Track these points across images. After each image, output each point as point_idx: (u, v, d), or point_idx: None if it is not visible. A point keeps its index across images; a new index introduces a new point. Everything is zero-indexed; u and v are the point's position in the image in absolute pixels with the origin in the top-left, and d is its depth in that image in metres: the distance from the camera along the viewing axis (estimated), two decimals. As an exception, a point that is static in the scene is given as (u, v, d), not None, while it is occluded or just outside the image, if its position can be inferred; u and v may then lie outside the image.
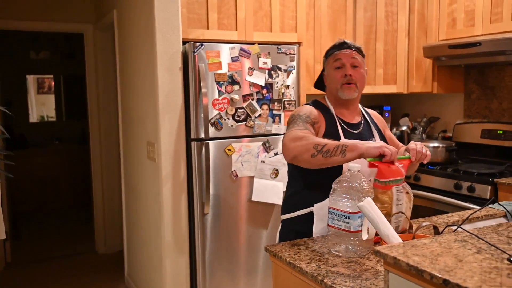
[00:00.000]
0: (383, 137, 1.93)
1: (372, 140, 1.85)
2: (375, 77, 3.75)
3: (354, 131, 1.84)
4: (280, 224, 1.93)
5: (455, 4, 3.23)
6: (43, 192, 6.05)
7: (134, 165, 3.39)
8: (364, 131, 1.87)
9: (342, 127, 1.82)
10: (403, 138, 3.94)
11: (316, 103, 1.88)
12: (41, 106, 7.04)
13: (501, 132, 3.24)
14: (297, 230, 1.78)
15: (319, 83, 1.97)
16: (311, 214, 1.77)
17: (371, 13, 3.71)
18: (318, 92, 3.73)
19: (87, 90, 4.41)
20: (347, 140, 1.65)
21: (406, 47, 3.61)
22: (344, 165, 1.69)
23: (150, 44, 2.80)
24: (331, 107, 1.86)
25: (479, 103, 3.51)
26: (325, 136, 1.75)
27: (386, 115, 4.07)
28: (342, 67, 1.81)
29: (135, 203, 3.42)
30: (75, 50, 6.41)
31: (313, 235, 1.74)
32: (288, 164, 1.87)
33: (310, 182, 1.80)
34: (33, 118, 6.95)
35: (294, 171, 1.86)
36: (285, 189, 2.00)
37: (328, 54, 1.88)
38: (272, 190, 2.95)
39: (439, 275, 0.93)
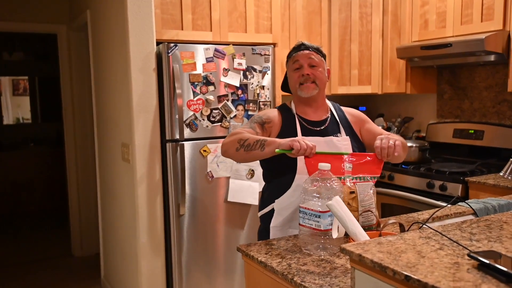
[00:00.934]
0: (354, 135, 1.94)
1: (337, 136, 1.89)
2: (350, 78, 3.80)
3: (315, 128, 1.89)
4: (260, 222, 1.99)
5: (427, 6, 3.29)
6: (18, 195, 5.94)
7: (109, 167, 3.36)
8: (328, 128, 1.90)
9: (301, 125, 1.88)
10: (379, 138, 3.99)
11: (282, 106, 1.97)
12: (17, 108, 6.92)
13: (472, 131, 3.31)
14: (266, 227, 1.86)
15: (286, 85, 2.01)
16: (272, 212, 1.85)
17: (345, 15, 3.75)
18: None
19: (61, 92, 4.34)
20: (265, 138, 1.71)
21: (380, 48, 3.66)
22: (299, 163, 1.76)
23: (123, 45, 2.78)
24: (293, 107, 1.94)
25: (451, 103, 3.58)
26: (280, 133, 1.84)
27: (362, 115, 4.12)
28: (300, 68, 1.88)
29: (111, 205, 3.38)
30: (49, 51, 6.31)
31: (270, 230, 1.82)
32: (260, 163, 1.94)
33: (272, 179, 1.89)
34: (9, 120, 6.82)
35: (263, 169, 1.95)
36: (260, 189, 2.07)
37: (288, 56, 1.95)
38: (247, 190, 2.96)
39: (401, 271, 0.95)
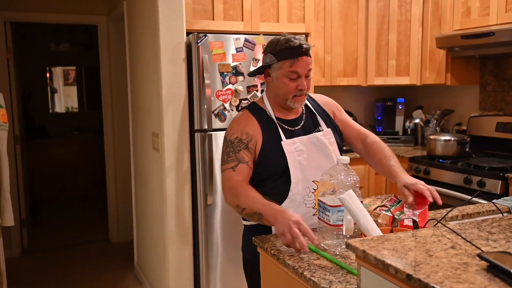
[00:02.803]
0: (333, 123, 1.84)
1: (319, 130, 1.77)
2: (387, 69, 3.68)
3: (295, 128, 1.76)
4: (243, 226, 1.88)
5: (470, -7, 3.12)
6: (62, 181, 6.18)
7: (141, 155, 3.43)
8: (307, 123, 1.78)
9: (282, 128, 1.73)
10: (417, 131, 3.85)
11: (254, 108, 1.78)
12: (67, 97, 7.21)
13: (516, 125, 3.12)
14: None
15: (256, 74, 1.82)
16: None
17: (384, 3, 3.63)
18: (328, 83, 3.64)
19: (101, 81, 4.47)
20: (264, 207, 1.53)
21: (420, 38, 3.52)
22: (292, 171, 1.67)
23: (154, 35, 2.81)
24: (269, 109, 1.76)
25: (494, 95, 3.39)
26: (264, 144, 1.68)
27: (400, 107, 3.99)
28: (297, 79, 1.68)
29: (143, 193, 3.46)
30: (94, 42, 6.50)
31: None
32: None
33: (263, 189, 1.69)
34: (61, 109, 7.12)
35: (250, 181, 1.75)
36: None
37: (282, 57, 1.68)
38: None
39: (403, 270, 0.90)
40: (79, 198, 6.21)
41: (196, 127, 2.79)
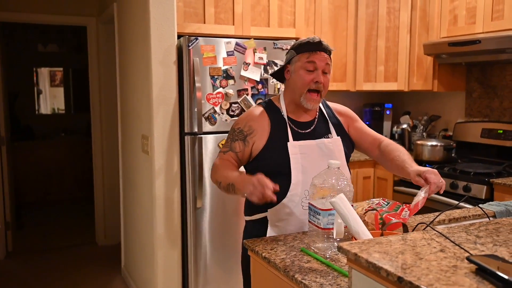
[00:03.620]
0: (344, 133, 1.86)
1: (328, 137, 1.79)
2: (375, 74, 3.72)
3: (305, 131, 1.78)
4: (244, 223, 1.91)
5: (457, 1, 3.18)
6: (48, 183, 6.12)
7: (130, 158, 3.41)
8: (318, 129, 1.80)
9: (291, 128, 1.75)
10: (404, 136, 3.90)
11: (269, 104, 1.82)
12: (53, 99, 7.14)
13: (501, 131, 3.18)
14: (256, 235, 1.72)
15: (278, 74, 1.86)
16: (267, 219, 1.75)
17: (373, 10, 3.67)
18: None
19: (89, 83, 4.44)
20: (235, 178, 1.63)
21: (408, 44, 3.57)
22: (293, 169, 1.70)
23: (145, 38, 2.81)
24: (283, 108, 1.79)
25: (480, 102, 3.45)
26: (269, 139, 1.72)
27: (388, 113, 4.04)
28: (314, 71, 1.72)
29: (131, 196, 3.44)
30: (82, 43, 6.46)
31: None
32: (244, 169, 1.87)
33: None
34: (46, 110, 7.05)
35: (246, 172, 1.83)
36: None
37: (301, 50, 1.74)
38: (265, 185, 2.94)
39: (395, 272, 0.92)
40: (65, 201, 6.15)
41: (186, 130, 2.80)
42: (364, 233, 1.26)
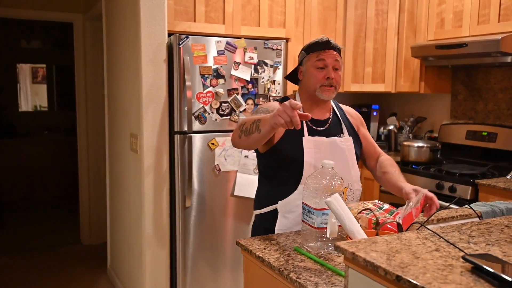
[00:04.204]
0: (356, 134, 1.92)
1: (340, 136, 1.85)
2: (363, 76, 3.75)
3: (320, 128, 1.83)
4: (253, 218, 1.94)
5: (444, 5, 3.23)
6: (31, 182, 6.03)
7: (118, 156, 3.39)
8: (331, 128, 1.86)
9: (307, 124, 1.80)
10: (390, 137, 3.95)
11: (285, 100, 1.86)
12: (35, 96, 7.02)
13: (485, 133, 3.25)
14: (265, 227, 1.78)
15: (292, 76, 1.93)
16: (277, 211, 1.78)
17: (361, 11, 3.71)
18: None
19: (75, 80, 4.39)
20: (264, 115, 1.58)
21: (395, 46, 3.61)
22: (306, 163, 1.72)
23: (135, 35, 2.79)
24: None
25: (465, 104, 3.52)
26: (287, 133, 1.74)
27: (374, 114, 4.08)
28: (324, 68, 1.78)
29: (119, 195, 3.41)
30: (67, 40, 6.38)
31: (275, 232, 1.75)
32: (257, 160, 1.91)
33: (275, 178, 1.80)
34: (27, 107, 6.93)
35: (261, 167, 1.89)
36: None
37: (310, 50, 1.83)
38: (254, 185, 2.91)
39: (393, 271, 0.93)
40: (49, 200, 6.07)
41: (176, 129, 2.79)
42: (359, 232, 1.28)
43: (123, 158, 3.21)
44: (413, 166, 3.22)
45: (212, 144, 2.86)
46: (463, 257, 0.95)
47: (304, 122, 1.80)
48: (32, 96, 7.01)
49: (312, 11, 3.57)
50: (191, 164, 2.80)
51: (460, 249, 1.04)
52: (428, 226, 1.62)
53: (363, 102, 4.22)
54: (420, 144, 3.30)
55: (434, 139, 3.63)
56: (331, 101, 1.94)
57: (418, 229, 1.22)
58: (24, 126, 6.55)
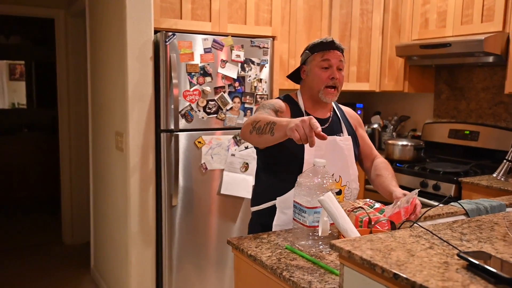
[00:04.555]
0: (354, 134, 1.95)
1: (340, 136, 1.87)
2: (348, 75, 3.78)
3: (321, 127, 1.83)
4: (251, 215, 1.95)
5: (428, 5, 3.27)
6: (10, 180, 5.90)
7: (102, 155, 3.34)
8: (332, 127, 1.87)
9: None
10: (374, 135, 3.98)
11: (287, 98, 1.89)
12: (13, 93, 6.87)
13: (468, 132, 3.31)
14: (261, 223, 1.81)
15: (294, 75, 1.94)
16: (275, 207, 1.79)
17: (346, 10, 3.73)
18: (292, 86, 3.73)
19: (57, 77, 4.31)
20: (279, 119, 1.57)
21: (380, 46, 3.64)
22: (306, 161, 1.74)
23: (120, 32, 2.75)
24: (301, 103, 1.86)
25: (448, 103, 3.57)
26: None
27: (359, 112, 4.11)
28: (329, 68, 1.79)
29: (103, 194, 3.37)
30: (47, 36, 6.25)
31: (273, 227, 1.76)
32: (257, 156, 1.91)
33: (274, 174, 1.82)
34: (4, 105, 6.77)
35: (260, 163, 1.89)
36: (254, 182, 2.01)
37: (315, 50, 1.83)
38: (241, 183, 2.95)
39: (390, 269, 0.94)
40: (29, 199, 5.95)
41: (162, 127, 2.76)
42: (352, 230, 1.29)
43: (108, 156, 3.17)
44: (398, 164, 3.26)
45: (199, 142, 2.84)
46: (458, 255, 0.96)
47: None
48: (10, 93, 6.85)
49: (297, 9, 3.58)
50: (178, 163, 2.78)
51: (454, 247, 1.05)
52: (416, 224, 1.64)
53: (347, 101, 4.25)
54: (405, 143, 3.34)
55: (418, 138, 3.68)
56: None
57: (410, 226, 1.24)
58: (2, 124, 6.40)
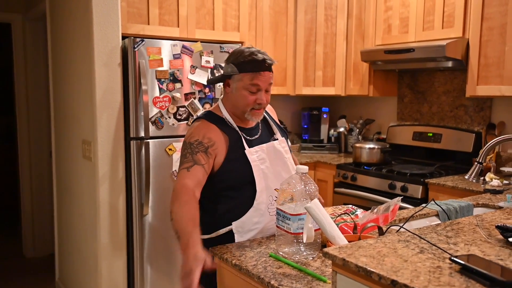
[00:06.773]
0: (282, 130, 1.89)
1: (275, 139, 1.82)
2: (314, 79, 3.83)
3: (253, 137, 1.77)
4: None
5: (391, 11, 3.37)
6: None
7: (67, 164, 3.22)
8: (263, 133, 1.81)
9: (244, 138, 1.73)
10: (340, 139, 4.06)
11: (211, 116, 1.75)
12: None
13: (430, 134, 3.42)
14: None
15: (216, 82, 1.82)
16: (230, 233, 1.70)
17: (311, 16, 3.78)
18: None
19: (14, 84, 4.13)
20: (184, 231, 1.47)
21: (345, 51, 3.71)
22: (257, 182, 1.69)
23: (87, 38, 2.67)
24: (227, 116, 1.75)
25: (411, 106, 3.68)
26: (228, 152, 1.67)
27: (325, 116, 4.17)
28: (257, 92, 1.69)
29: (69, 205, 3.25)
30: (1, 41, 5.99)
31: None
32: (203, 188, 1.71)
33: (225, 200, 1.72)
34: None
35: (206, 193, 1.69)
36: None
37: (245, 69, 1.67)
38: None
39: (387, 276, 0.95)
40: (-16, 211, 5.66)
41: (132, 135, 2.70)
42: (340, 237, 1.30)
43: (74, 166, 3.06)
44: (365, 167, 3.33)
45: (170, 149, 2.80)
46: (450, 259, 0.99)
47: (242, 137, 1.73)
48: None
49: (263, 15, 3.60)
50: (148, 171, 2.72)
51: (443, 250, 1.08)
52: (394, 227, 1.68)
53: (314, 105, 4.31)
54: (371, 146, 3.42)
55: (383, 141, 3.78)
56: None
57: (397, 231, 1.26)
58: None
